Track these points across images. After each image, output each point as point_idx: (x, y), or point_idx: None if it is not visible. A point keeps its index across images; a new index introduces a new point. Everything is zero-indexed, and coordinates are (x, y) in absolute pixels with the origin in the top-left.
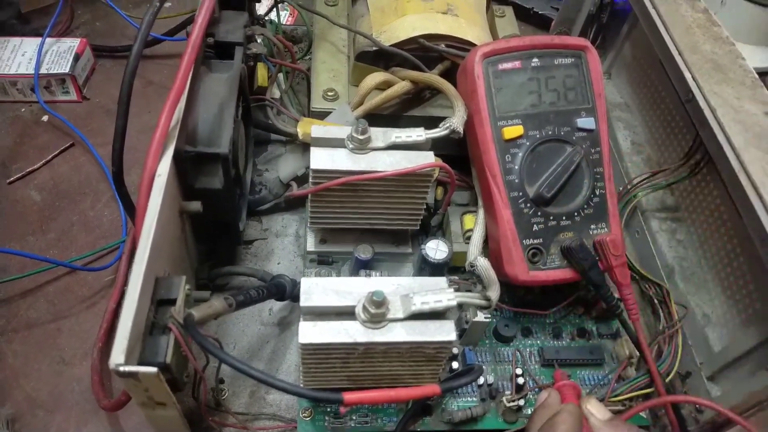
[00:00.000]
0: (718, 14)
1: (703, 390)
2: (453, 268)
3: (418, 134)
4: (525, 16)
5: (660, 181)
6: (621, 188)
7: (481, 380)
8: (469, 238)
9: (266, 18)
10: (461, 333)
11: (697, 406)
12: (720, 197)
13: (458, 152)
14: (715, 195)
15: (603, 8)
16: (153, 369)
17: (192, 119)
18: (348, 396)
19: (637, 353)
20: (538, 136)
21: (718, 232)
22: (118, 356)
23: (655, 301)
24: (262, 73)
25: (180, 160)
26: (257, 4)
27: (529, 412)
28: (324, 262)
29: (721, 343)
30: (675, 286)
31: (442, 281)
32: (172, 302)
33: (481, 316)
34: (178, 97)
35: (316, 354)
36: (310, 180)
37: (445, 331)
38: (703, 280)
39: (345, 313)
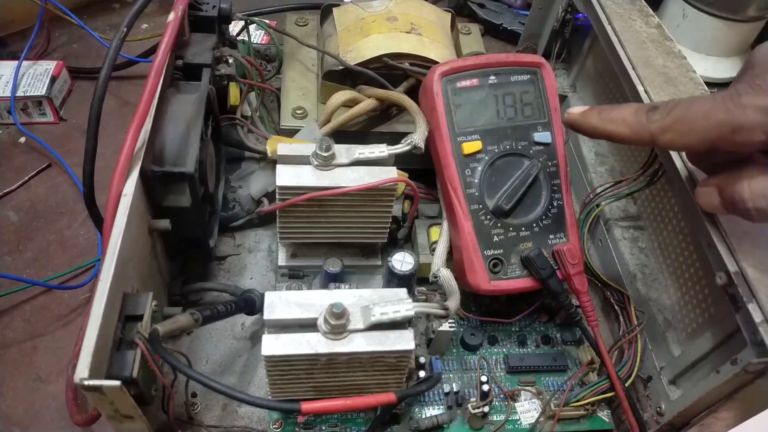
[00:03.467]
0: (680, 27)
1: (664, 393)
2: (422, 279)
3: (380, 150)
4: (495, 31)
5: (622, 191)
6: (585, 198)
7: (447, 388)
8: (434, 249)
9: (239, 38)
10: (428, 342)
11: (658, 408)
12: (677, 205)
13: (426, 166)
14: (673, 203)
15: (566, 24)
16: (116, 383)
17: (159, 139)
18: (306, 405)
19: (599, 359)
20: (496, 150)
21: (676, 239)
22: (82, 371)
23: (616, 307)
24: (234, 92)
25: (147, 180)
26: (228, 26)
27: (495, 418)
28: (295, 276)
29: (681, 347)
30: (637, 293)
31: (402, 292)
32: (140, 318)
33: (446, 326)
34: (143, 118)
35: (280, 366)
36: (277, 196)
37: (404, 341)
38: (664, 286)
39: (307, 326)
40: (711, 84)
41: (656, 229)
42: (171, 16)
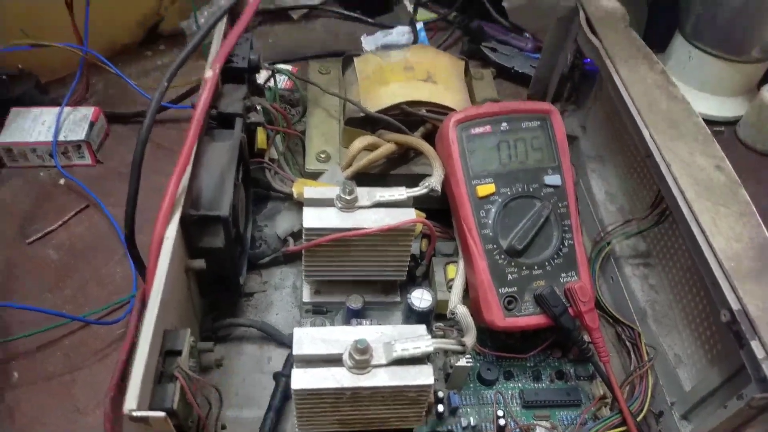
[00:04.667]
0: (687, 68)
1: (675, 428)
2: (439, 315)
3: (399, 193)
4: (506, 74)
5: (632, 229)
6: (596, 236)
7: (465, 422)
8: (451, 286)
9: (265, 85)
10: (446, 377)
11: None
12: (685, 244)
13: (442, 206)
14: (681, 242)
15: (574, 68)
16: (161, 414)
17: (196, 185)
18: None
19: (611, 394)
20: (509, 193)
21: (684, 276)
22: (131, 402)
23: (627, 343)
24: (261, 137)
25: (185, 223)
26: (256, 74)
27: None
28: (319, 312)
29: (691, 382)
30: (648, 329)
31: (421, 329)
32: (179, 353)
33: (463, 361)
34: (184, 167)
35: (308, 399)
36: (303, 237)
37: (424, 375)
38: (673, 322)
39: (333, 361)
40: (718, 122)
41: (665, 266)
42: (209, 73)
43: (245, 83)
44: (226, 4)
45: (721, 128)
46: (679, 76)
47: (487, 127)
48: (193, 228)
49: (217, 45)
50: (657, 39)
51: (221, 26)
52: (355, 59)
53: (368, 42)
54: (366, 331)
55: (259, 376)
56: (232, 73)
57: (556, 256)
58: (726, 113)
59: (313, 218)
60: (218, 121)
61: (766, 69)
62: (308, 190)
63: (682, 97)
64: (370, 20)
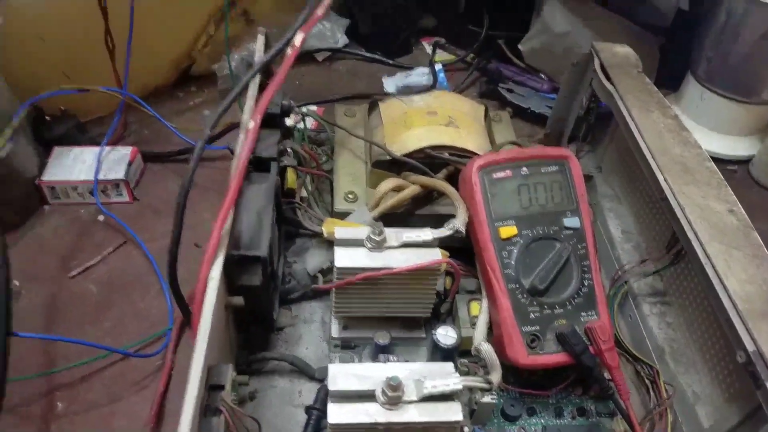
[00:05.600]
0: (699, 108)
1: None
2: (464, 351)
3: (426, 234)
4: (523, 114)
5: (648, 268)
6: (614, 274)
7: None
8: (475, 324)
9: (295, 127)
10: (471, 413)
11: None
12: (700, 284)
13: (465, 244)
14: (697, 281)
15: (590, 111)
16: None
17: (236, 226)
18: None
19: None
20: (530, 234)
21: (701, 315)
22: None
23: (647, 381)
24: (291, 177)
25: (226, 262)
26: (286, 118)
27: None
28: (347, 347)
29: (709, 420)
30: (666, 366)
31: (449, 366)
32: (222, 387)
33: (488, 398)
34: (227, 213)
35: None
36: (335, 276)
37: (453, 412)
38: (691, 360)
39: (366, 396)
40: (731, 161)
41: (682, 305)
42: (251, 124)
43: (278, 127)
44: (259, 61)
45: (735, 167)
46: (692, 116)
47: (508, 172)
48: (232, 267)
49: (252, 92)
50: (670, 79)
51: (258, 44)
52: (380, 104)
53: (389, 83)
54: (397, 369)
55: (291, 408)
56: (266, 119)
57: (576, 296)
58: (739, 152)
59: (344, 258)
60: (254, 165)
61: None
62: (339, 230)
63: (695, 142)
64: (390, 62)
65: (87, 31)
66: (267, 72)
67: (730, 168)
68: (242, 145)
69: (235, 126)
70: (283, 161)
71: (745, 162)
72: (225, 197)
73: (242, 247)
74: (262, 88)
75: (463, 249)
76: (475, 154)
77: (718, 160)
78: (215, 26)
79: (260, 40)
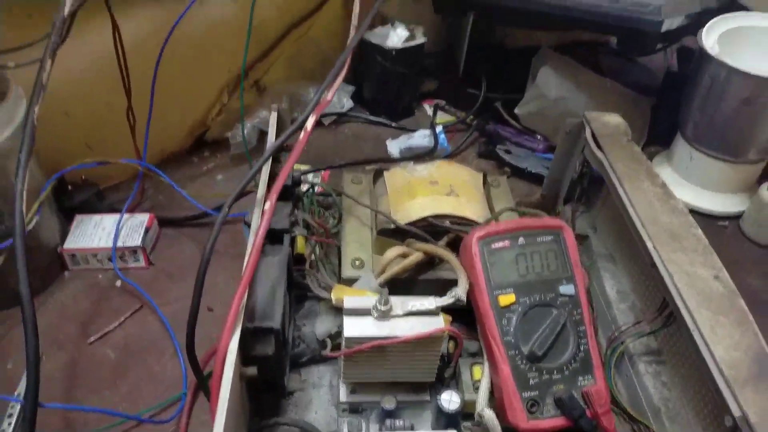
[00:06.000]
0: (689, 168)
1: None
2: (468, 414)
3: (429, 303)
4: (520, 174)
5: (643, 329)
6: (610, 334)
7: None
8: (478, 387)
9: (304, 194)
10: None
11: None
12: (690, 347)
13: (466, 306)
14: (690, 344)
15: (583, 175)
16: None
17: (251, 299)
18: None
19: None
20: (528, 302)
21: (694, 375)
22: None
23: None
24: (301, 243)
25: (241, 334)
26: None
27: None
28: (355, 411)
29: None
30: (662, 426)
31: None
32: None
33: None
34: (245, 289)
35: None
36: (343, 344)
37: None
38: (686, 419)
39: None
40: (722, 217)
41: (676, 364)
42: (267, 205)
43: (290, 198)
44: (271, 147)
45: (725, 222)
46: (683, 175)
47: (506, 242)
48: (247, 338)
49: (266, 167)
50: (661, 137)
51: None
52: (385, 173)
53: (393, 145)
54: None
55: None
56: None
57: (573, 361)
58: (729, 209)
59: (353, 328)
60: (267, 236)
61: (763, 168)
62: (348, 300)
63: (683, 209)
64: (393, 124)
65: (109, 106)
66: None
67: (721, 224)
68: (258, 223)
69: (246, 194)
70: (295, 232)
71: (735, 218)
72: (243, 272)
73: (257, 319)
74: (275, 159)
75: (465, 310)
76: (475, 221)
77: (710, 216)
78: (228, 96)
79: (273, 116)
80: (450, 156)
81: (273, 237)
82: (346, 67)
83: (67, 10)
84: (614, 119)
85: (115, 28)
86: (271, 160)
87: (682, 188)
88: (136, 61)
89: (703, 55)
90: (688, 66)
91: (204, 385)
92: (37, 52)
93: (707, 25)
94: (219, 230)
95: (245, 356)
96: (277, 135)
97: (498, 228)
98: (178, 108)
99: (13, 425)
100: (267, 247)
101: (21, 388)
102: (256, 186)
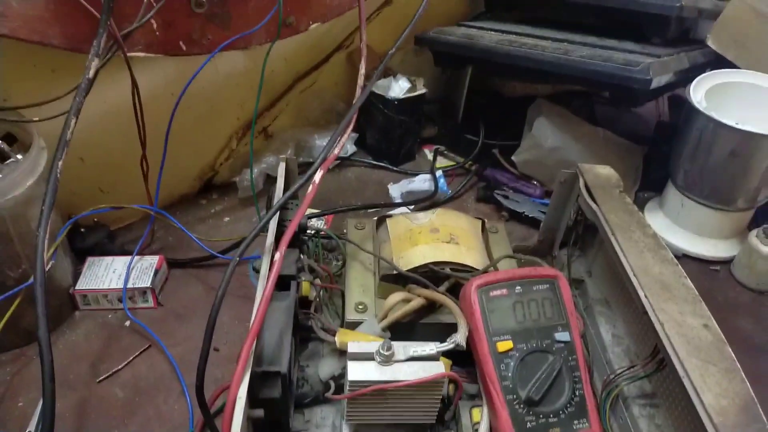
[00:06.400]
0: (680, 214)
1: None
2: None
3: (430, 348)
4: (518, 218)
5: (637, 373)
6: (605, 378)
7: None
8: (477, 430)
9: (309, 239)
10: None
11: None
12: (681, 393)
13: (468, 350)
14: (680, 390)
15: (578, 222)
16: None
17: (259, 343)
18: None
19: None
20: (525, 348)
21: (687, 418)
22: None
23: None
24: (306, 287)
25: (249, 378)
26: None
27: None
28: None
29: None
30: None
31: None
32: None
33: None
34: (256, 334)
35: None
36: (347, 387)
37: None
38: None
39: None
40: (714, 261)
41: (669, 408)
42: (277, 256)
43: (297, 245)
44: (280, 200)
45: (717, 267)
46: (675, 221)
47: (504, 290)
48: (255, 381)
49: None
50: (653, 183)
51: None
52: (388, 220)
53: (394, 189)
54: None
55: None
56: None
57: (568, 405)
58: (720, 254)
59: (357, 372)
60: (276, 283)
61: (752, 215)
62: (352, 345)
63: (672, 259)
64: (395, 168)
65: (123, 153)
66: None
67: (713, 268)
68: (267, 271)
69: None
70: (301, 278)
71: (727, 262)
72: (252, 322)
73: (265, 363)
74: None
75: (465, 353)
76: (474, 268)
77: (702, 261)
78: (237, 142)
79: (281, 166)
80: (449, 200)
81: (280, 283)
82: (352, 124)
83: (92, 73)
84: (606, 171)
85: (135, 85)
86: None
87: (674, 234)
88: (151, 111)
89: (691, 110)
90: (679, 113)
91: (211, 426)
92: (60, 105)
93: (695, 81)
94: (230, 277)
95: (253, 399)
96: (285, 183)
97: (496, 277)
98: (189, 154)
99: None
100: (274, 294)
101: (32, 425)
102: (265, 232)
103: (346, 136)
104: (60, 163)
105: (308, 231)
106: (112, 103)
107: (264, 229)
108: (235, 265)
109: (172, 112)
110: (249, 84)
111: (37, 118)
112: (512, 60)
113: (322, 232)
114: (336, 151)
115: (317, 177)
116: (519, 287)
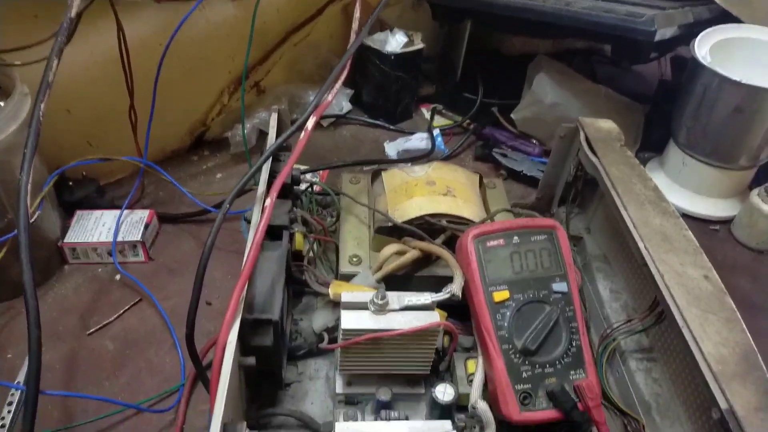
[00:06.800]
0: (682, 173)
1: None
2: (461, 407)
3: (425, 298)
4: (516, 177)
5: (635, 327)
6: (602, 332)
7: None
8: (472, 381)
9: (303, 192)
10: None
11: None
12: (680, 344)
13: (463, 302)
14: (680, 341)
15: (577, 178)
16: None
17: (250, 291)
18: None
19: None
20: (521, 298)
21: (684, 372)
22: None
23: None
24: (299, 240)
25: (241, 326)
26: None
27: None
28: (350, 403)
29: None
30: (653, 421)
31: (447, 424)
32: None
33: None
34: (244, 283)
35: None
36: (340, 336)
37: None
38: (676, 414)
39: None
40: (714, 221)
41: (666, 361)
42: (268, 201)
43: (289, 196)
44: (272, 146)
45: (717, 227)
46: (676, 180)
47: (501, 241)
48: (246, 329)
49: (266, 165)
50: (654, 143)
51: (272, 121)
52: (383, 173)
53: (390, 147)
54: (398, 427)
55: None
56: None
57: (565, 356)
58: (721, 213)
59: (350, 320)
60: (268, 233)
61: (754, 174)
62: (345, 294)
63: (673, 211)
64: (391, 127)
65: (111, 104)
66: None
67: (713, 228)
68: (258, 220)
69: (246, 191)
70: (294, 229)
71: (727, 222)
72: (242, 267)
73: (256, 311)
74: (275, 158)
75: (460, 307)
76: (471, 221)
77: (702, 221)
78: (228, 96)
79: (273, 117)
80: (447, 158)
81: (272, 233)
82: (346, 70)
83: (74, 12)
84: (607, 124)
85: (120, 29)
86: (271, 159)
87: (675, 193)
88: (139, 61)
89: (695, 65)
90: (682, 75)
91: (202, 375)
92: (43, 50)
93: (700, 35)
94: (221, 223)
95: (244, 346)
96: (278, 135)
97: (493, 227)
98: (179, 107)
99: (12, 412)
100: (266, 243)
101: (21, 376)
102: (256, 184)
103: (340, 81)
104: (42, 105)
105: (301, 184)
106: (99, 52)
107: (256, 181)
108: (224, 212)
109: (160, 61)
110: (240, 35)
111: (19, 62)
112: (512, 12)
113: (317, 186)
114: (329, 98)
115: (310, 123)
116: (516, 237)
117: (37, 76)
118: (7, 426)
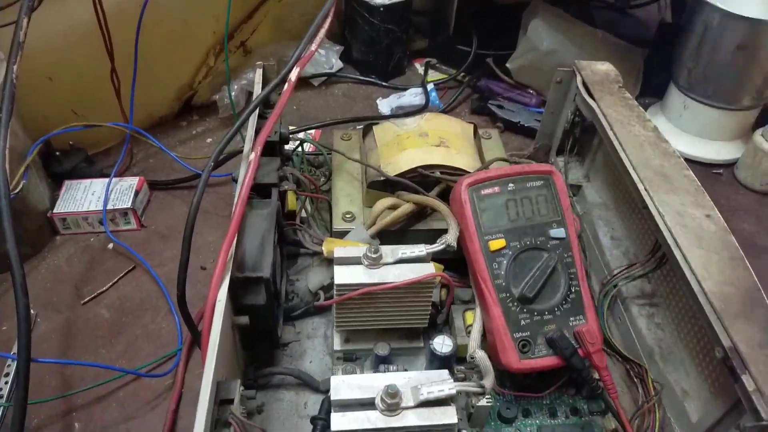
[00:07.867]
0: (683, 116)
1: None
2: (460, 359)
3: (419, 250)
4: (513, 128)
5: (636, 272)
6: (603, 279)
7: None
8: (470, 332)
9: (294, 151)
10: (469, 416)
11: None
12: (683, 286)
13: (457, 255)
14: (681, 284)
15: (575, 125)
16: None
17: (240, 250)
18: None
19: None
20: (518, 246)
21: (686, 315)
22: None
23: (635, 379)
24: (291, 199)
25: (232, 284)
26: (285, 145)
27: None
28: (349, 359)
29: (697, 414)
30: (656, 366)
31: (444, 373)
32: (231, 401)
33: (483, 401)
34: (232, 239)
35: None
36: (335, 292)
37: (448, 416)
38: (679, 358)
39: (367, 404)
40: (717, 165)
41: (669, 306)
42: (252, 156)
43: (278, 154)
44: (257, 96)
45: (720, 170)
46: (677, 124)
47: (496, 188)
48: (238, 288)
49: (252, 122)
50: (654, 88)
51: (257, 77)
52: (374, 127)
53: (383, 104)
54: (395, 377)
55: (297, 420)
56: (266, 147)
57: (564, 302)
58: (723, 156)
59: (343, 275)
60: (256, 191)
61: (757, 114)
62: (338, 249)
63: (674, 152)
64: (384, 83)
65: (93, 71)
66: (266, 102)
67: (716, 171)
68: (244, 175)
69: (236, 154)
70: (284, 186)
71: (730, 165)
72: (229, 224)
73: (246, 270)
74: (261, 116)
75: (457, 260)
76: (466, 171)
77: (704, 164)
78: (215, 58)
79: (258, 73)
80: (442, 113)
81: (261, 191)
82: (329, 18)
83: None
84: (605, 67)
85: None
86: (257, 116)
87: (676, 137)
88: (119, 24)
89: (695, 1)
90: (682, 18)
91: (196, 336)
92: (15, 13)
93: None
94: (206, 181)
95: (237, 306)
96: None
97: (488, 174)
98: (164, 71)
99: (9, 383)
100: (255, 201)
101: (16, 348)
102: (244, 142)
103: (323, 31)
104: (15, 67)
105: (291, 142)
106: (77, 16)
107: (244, 139)
108: (210, 169)
109: (138, 21)
110: None
111: None
112: None
113: (308, 146)
114: (313, 47)
115: (293, 75)
116: (512, 184)
117: (9, 40)
118: (5, 396)
